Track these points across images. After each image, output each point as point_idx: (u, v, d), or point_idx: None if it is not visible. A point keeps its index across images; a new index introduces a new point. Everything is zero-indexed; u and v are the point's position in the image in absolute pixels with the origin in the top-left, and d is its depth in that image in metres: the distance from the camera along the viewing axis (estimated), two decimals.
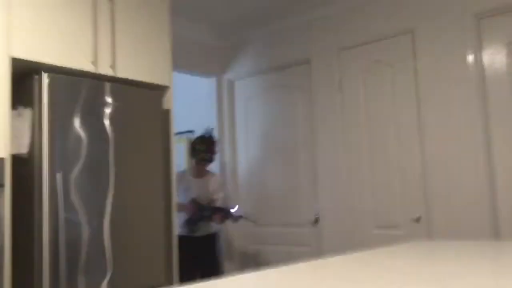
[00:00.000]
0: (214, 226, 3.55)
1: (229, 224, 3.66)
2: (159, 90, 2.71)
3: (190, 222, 3.40)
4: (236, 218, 3.44)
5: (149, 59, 2.67)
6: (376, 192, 3.21)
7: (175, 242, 2.69)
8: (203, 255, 3.47)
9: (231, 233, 3.96)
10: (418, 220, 3.00)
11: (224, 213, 3.43)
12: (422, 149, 3.02)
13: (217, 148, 3.61)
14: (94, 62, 2.40)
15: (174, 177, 2.73)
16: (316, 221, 3.50)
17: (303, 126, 3.65)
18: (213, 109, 4.13)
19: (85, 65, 2.37)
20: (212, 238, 3.59)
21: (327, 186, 3.43)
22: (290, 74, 3.76)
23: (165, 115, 2.71)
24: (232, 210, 3.45)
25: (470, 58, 2.86)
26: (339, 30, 3.44)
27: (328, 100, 3.47)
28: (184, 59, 3.38)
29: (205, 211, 3.41)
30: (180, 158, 4.02)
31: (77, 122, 2.27)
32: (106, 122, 2.38)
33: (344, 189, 3.35)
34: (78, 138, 2.26)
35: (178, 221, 3.37)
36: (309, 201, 3.55)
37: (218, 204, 3.52)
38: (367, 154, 3.27)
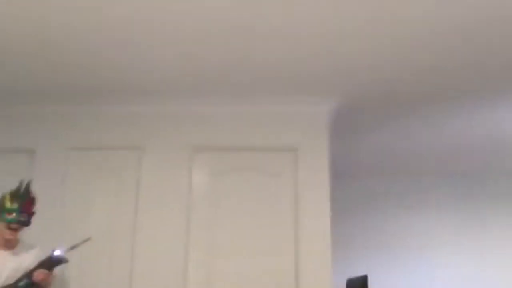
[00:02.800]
0: None
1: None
2: None
3: None
4: (62, 260, 2.69)
5: None
6: None
7: None
8: None
9: None
10: None
11: (47, 265, 2.64)
12: (133, 255, 3.39)
13: (34, 208, 2.82)
14: None
15: None
16: None
17: None
18: None
19: None
20: None
21: None
22: (9, 160, 3.63)
23: None
24: (56, 253, 2.67)
25: (184, 180, 3.53)
26: (69, 130, 3.63)
27: (50, 193, 3.44)
28: None
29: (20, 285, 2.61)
30: None
31: None
32: None
33: None
34: None
35: None
36: None
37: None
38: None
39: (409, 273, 5.55)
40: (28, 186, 2.80)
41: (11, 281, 2.63)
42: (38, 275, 2.58)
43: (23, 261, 2.71)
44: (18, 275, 2.66)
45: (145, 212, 3.44)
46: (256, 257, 3.39)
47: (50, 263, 2.64)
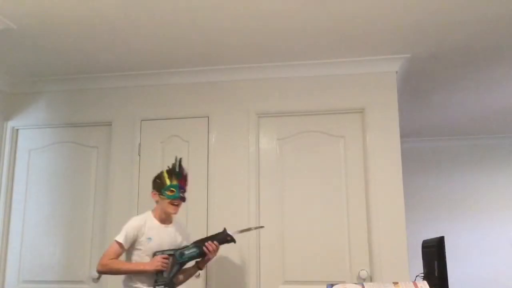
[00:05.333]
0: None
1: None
2: None
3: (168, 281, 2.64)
4: (233, 240, 2.81)
5: None
6: None
7: None
8: None
9: None
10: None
11: (220, 239, 2.77)
12: (208, 215, 3.53)
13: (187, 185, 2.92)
14: None
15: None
16: (99, 278, 3.52)
17: (96, 185, 3.75)
18: None
19: None
20: None
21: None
22: (88, 132, 3.86)
23: None
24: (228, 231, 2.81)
25: (252, 145, 3.60)
26: (140, 103, 3.81)
27: (126, 162, 3.70)
28: None
29: (185, 254, 2.72)
30: None
31: None
32: None
33: None
34: None
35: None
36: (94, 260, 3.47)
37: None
38: None
39: (483, 234, 5.42)
40: (180, 163, 2.85)
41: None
42: (211, 245, 2.71)
43: (178, 236, 2.82)
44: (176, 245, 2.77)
45: (216, 177, 3.57)
46: (326, 218, 3.42)
47: (223, 238, 2.76)
